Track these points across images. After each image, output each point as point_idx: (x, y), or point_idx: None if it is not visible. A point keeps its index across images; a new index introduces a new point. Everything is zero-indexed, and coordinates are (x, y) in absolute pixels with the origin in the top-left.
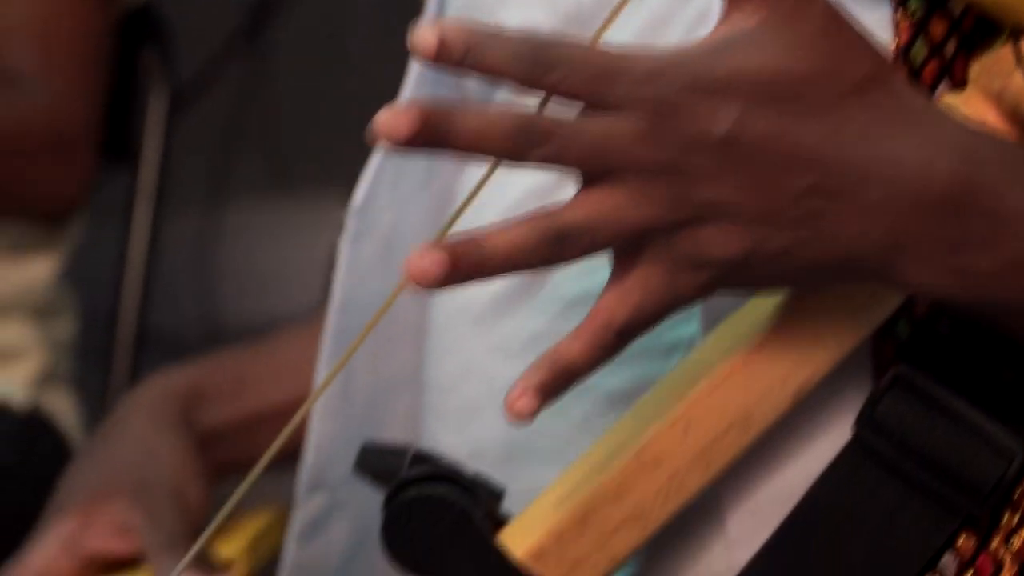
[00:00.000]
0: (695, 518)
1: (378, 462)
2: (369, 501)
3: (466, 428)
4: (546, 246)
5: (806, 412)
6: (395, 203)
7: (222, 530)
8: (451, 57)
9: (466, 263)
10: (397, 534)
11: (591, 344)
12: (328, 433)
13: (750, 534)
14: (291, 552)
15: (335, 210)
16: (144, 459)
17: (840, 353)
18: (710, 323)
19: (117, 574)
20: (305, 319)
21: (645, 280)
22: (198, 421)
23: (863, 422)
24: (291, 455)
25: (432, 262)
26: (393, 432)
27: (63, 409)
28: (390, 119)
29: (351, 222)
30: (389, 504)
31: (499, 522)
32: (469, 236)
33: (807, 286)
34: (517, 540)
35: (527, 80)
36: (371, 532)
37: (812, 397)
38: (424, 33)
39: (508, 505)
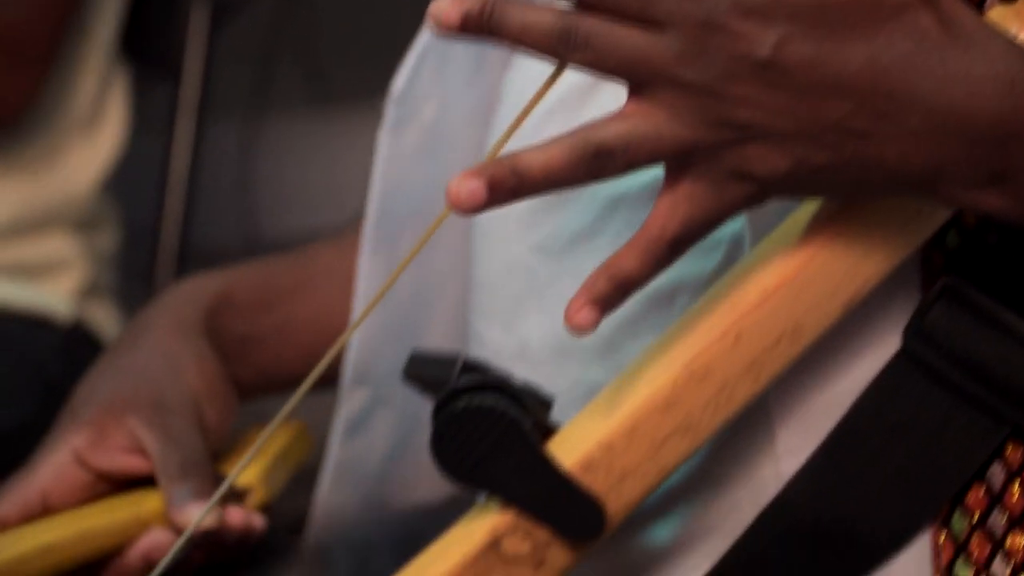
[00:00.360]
0: (744, 429)
1: (427, 370)
2: (412, 398)
3: (512, 326)
4: (583, 166)
5: (855, 323)
6: (439, 94)
7: (239, 455)
8: None
9: (504, 187)
10: (446, 444)
11: (645, 255)
12: (372, 328)
13: (799, 445)
14: (335, 449)
15: (375, 119)
16: (165, 372)
17: (890, 264)
18: (756, 221)
19: (127, 492)
20: (336, 233)
21: (693, 192)
22: (225, 330)
23: (911, 332)
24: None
25: (471, 189)
26: (438, 327)
27: (106, 322)
28: (443, 6)
29: (390, 111)
30: (438, 414)
31: (548, 432)
32: (506, 159)
33: (855, 198)
34: (566, 450)
35: None
36: (414, 429)
37: (861, 308)
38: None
39: (555, 403)
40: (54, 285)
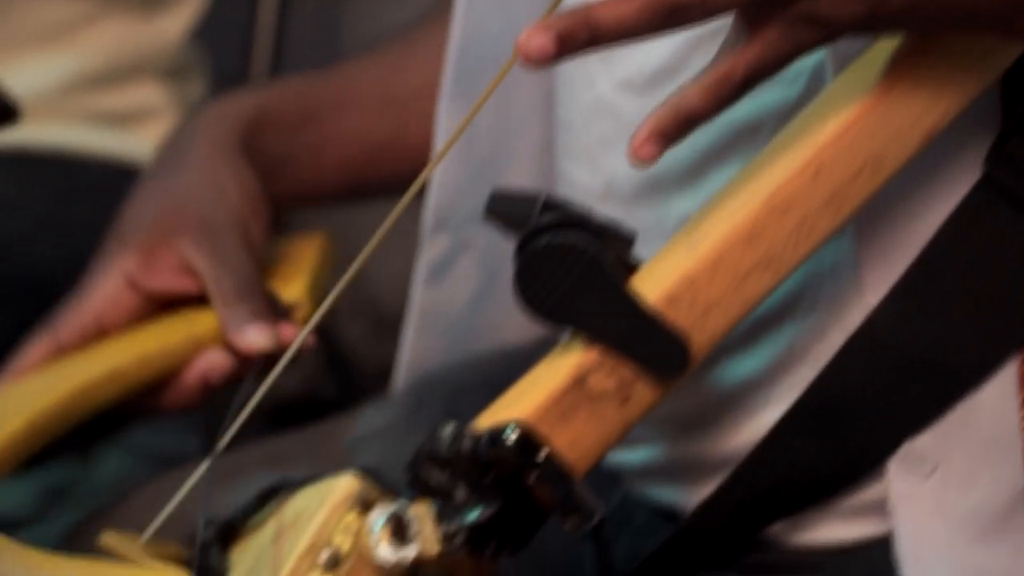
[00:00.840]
0: (828, 261)
1: (508, 209)
2: (495, 242)
3: (599, 164)
4: (659, 19)
5: (937, 156)
6: None
7: (282, 274)
8: None
9: (577, 40)
10: (530, 283)
11: (711, 93)
12: (452, 172)
13: (882, 278)
14: (418, 295)
15: None
16: (209, 193)
17: (970, 94)
18: (838, 52)
19: (178, 313)
20: (370, 52)
21: (765, 35)
22: (262, 147)
23: (993, 159)
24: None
25: (542, 42)
26: (519, 170)
27: None
28: None
29: None
30: (520, 253)
31: (631, 268)
32: (579, 13)
33: (930, 35)
34: (649, 286)
35: None
36: (497, 273)
37: (943, 140)
38: None
39: (642, 240)
40: (143, 133)
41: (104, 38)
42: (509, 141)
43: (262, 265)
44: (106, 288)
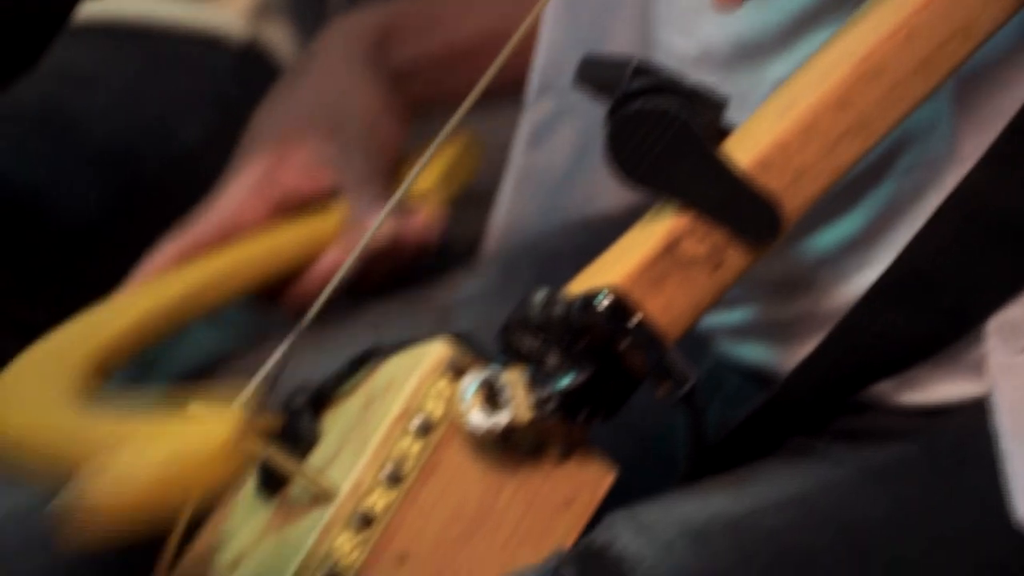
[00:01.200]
0: (924, 123)
1: (600, 74)
2: (597, 108)
3: (694, 29)
4: None
5: None
6: None
7: (415, 163)
8: None
9: None
10: (620, 148)
11: None
12: (558, 36)
13: (978, 142)
14: (518, 157)
15: None
16: (336, 97)
17: None
18: None
19: (308, 214)
20: None
21: None
22: (390, 58)
23: None
24: (496, 90)
25: None
26: (621, 35)
27: (280, 41)
28: None
29: None
30: (611, 118)
31: (722, 133)
32: None
33: None
34: (741, 151)
35: None
36: (596, 139)
37: None
38: None
39: (738, 106)
40: (227, 4)
41: None
42: (612, 5)
43: (399, 161)
44: (245, 183)
